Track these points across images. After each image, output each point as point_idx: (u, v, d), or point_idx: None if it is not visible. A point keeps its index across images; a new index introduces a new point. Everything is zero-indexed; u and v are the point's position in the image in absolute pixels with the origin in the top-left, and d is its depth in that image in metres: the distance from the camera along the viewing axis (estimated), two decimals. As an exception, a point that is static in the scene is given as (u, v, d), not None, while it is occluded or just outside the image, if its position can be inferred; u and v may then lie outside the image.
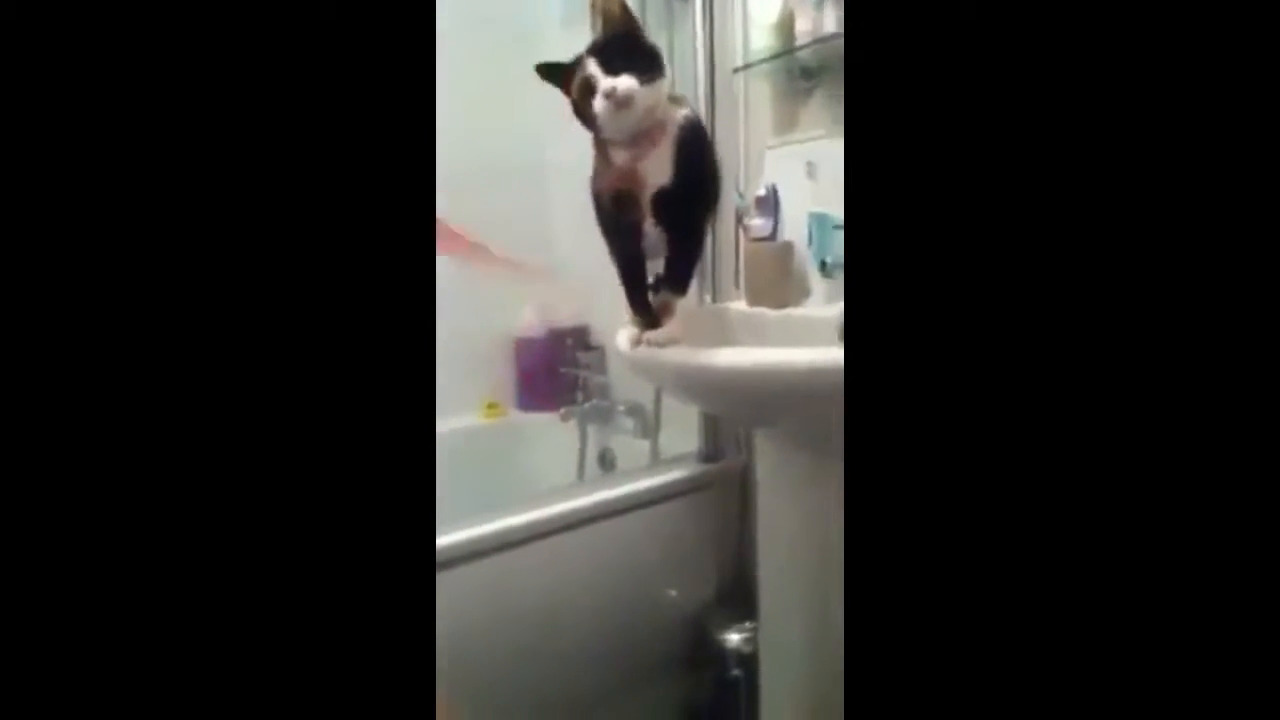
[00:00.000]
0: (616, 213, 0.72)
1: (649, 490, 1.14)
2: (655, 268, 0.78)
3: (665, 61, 0.67)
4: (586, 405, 1.51)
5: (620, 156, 0.69)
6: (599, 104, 0.65)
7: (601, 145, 0.71)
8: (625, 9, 0.67)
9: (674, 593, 1.18)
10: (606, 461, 1.48)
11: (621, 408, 1.45)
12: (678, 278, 0.76)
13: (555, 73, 0.69)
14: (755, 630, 1.05)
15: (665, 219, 0.71)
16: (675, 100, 0.72)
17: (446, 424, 1.22)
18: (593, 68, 0.65)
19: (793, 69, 1.06)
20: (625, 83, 0.64)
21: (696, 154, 0.71)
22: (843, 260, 0.97)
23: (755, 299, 1.05)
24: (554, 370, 1.58)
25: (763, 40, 1.05)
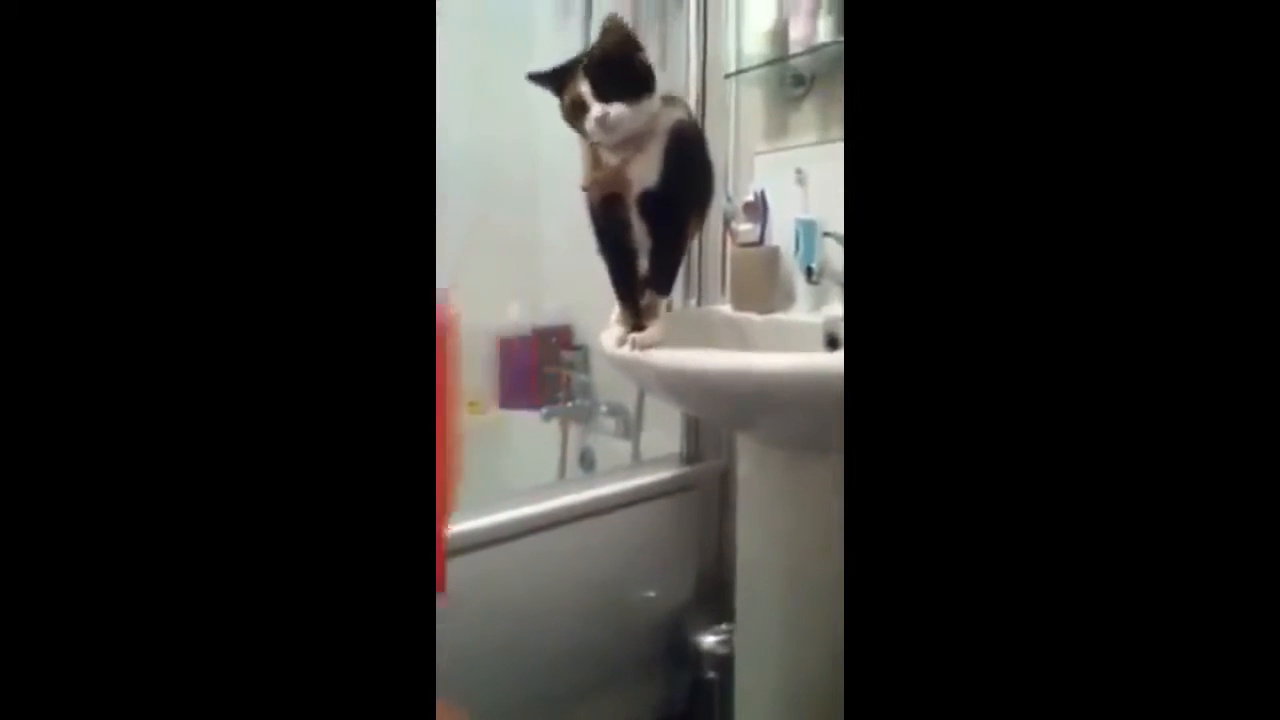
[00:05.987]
0: (605, 213, 0.73)
1: (629, 491, 1.13)
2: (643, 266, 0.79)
3: (655, 75, 0.69)
4: (569, 405, 1.50)
5: (609, 159, 0.71)
6: (590, 124, 0.67)
7: (592, 145, 0.72)
8: (628, 33, 0.69)
9: (652, 593, 1.18)
10: (587, 461, 1.48)
11: (604, 408, 1.45)
12: (660, 278, 0.77)
13: (547, 80, 0.70)
14: (731, 632, 1.05)
15: (650, 219, 0.73)
16: (670, 101, 0.73)
17: (428, 420, 1.20)
18: (584, 88, 0.67)
19: (784, 76, 1.06)
20: (616, 110, 0.66)
21: (685, 157, 0.73)
22: (828, 267, 0.98)
23: (740, 303, 1.05)
24: (537, 369, 1.58)
25: (755, 46, 1.05)
